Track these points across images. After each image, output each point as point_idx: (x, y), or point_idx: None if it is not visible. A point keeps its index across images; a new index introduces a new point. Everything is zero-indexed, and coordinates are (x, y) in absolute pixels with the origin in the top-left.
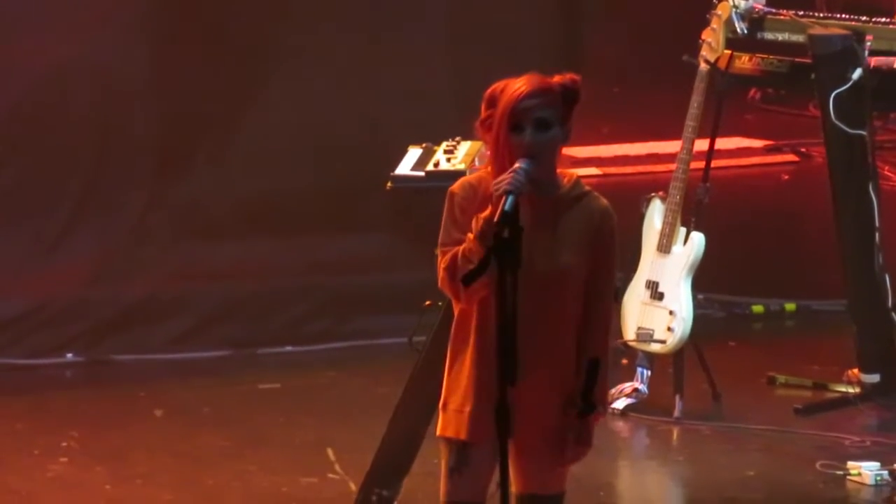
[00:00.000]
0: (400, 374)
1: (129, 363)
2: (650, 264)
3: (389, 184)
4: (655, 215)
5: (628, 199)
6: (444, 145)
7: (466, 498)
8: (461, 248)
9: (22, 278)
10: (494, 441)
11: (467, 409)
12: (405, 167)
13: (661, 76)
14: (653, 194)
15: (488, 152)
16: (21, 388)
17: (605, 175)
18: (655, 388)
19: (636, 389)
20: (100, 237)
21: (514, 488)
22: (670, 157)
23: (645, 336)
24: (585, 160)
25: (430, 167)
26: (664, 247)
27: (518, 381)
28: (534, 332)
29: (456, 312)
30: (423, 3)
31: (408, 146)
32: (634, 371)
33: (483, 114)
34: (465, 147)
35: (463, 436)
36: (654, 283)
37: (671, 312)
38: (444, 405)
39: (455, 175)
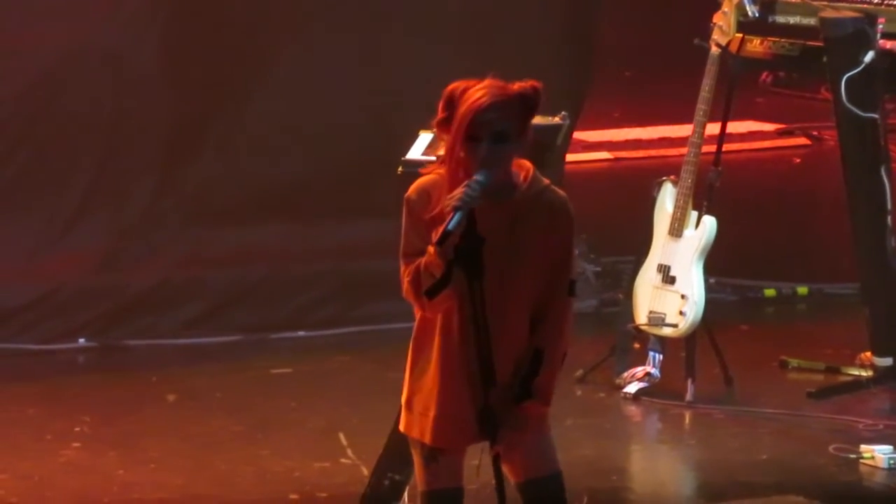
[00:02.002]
0: None
1: (141, 348)
2: (662, 248)
3: (400, 168)
4: (667, 199)
5: (640, 183)
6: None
7: (445, 484)
8: (423, 260)
9: (33, 264)
10: (459, 444)
11: (431, 413)
12: (416, 152)
13: (673, 60)
14: (664, 178)
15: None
16: (33, 373)
17: (616, 159)
18: (667, 372)
19: (648, 373)
20: (111, 223)
21: (512, 479)
22: (682, 141)
23: (657, 320)
24: (597, 144)
25: (441, 151)
26: (676, 231)
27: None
28: (499, 331)
29: (417, 316)
30: None
31: (419, 131)
32: (646, 355)
33: (440, 114)
34: None
35: (427, 440)
36: (665, 266)
37: (683, 296)
38: (409, 404)
39: None
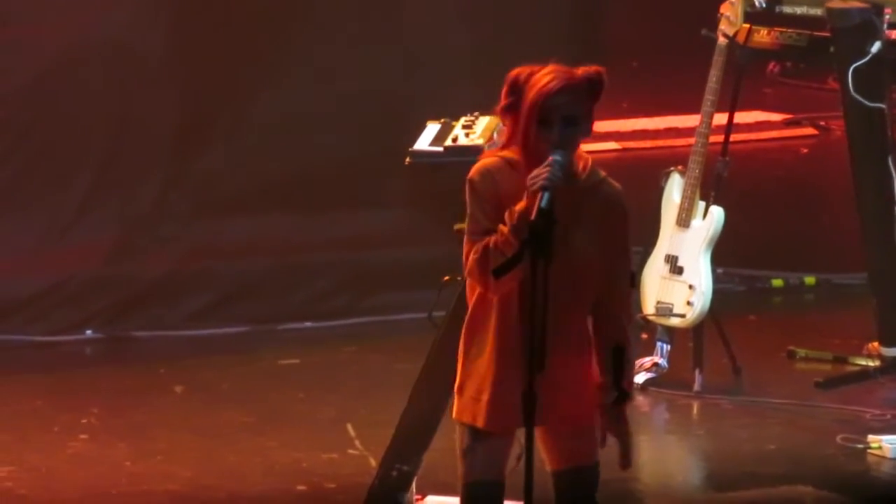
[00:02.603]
0: (419, 350)
1: (149, 340)
2: (669, 238)
3: (408, 159)
4: (674, 189)
5: (647, 173)
6: (462, 120)
7: (486, 477)
8: (493, 239)
9: (41, 255)
10: (510, 428)
11: (485, 397)
12: (424, 142)
13: (680, 50)
14: (672, 168)
15: (503, 135)
16: (41, 365)
17: (624, 149)
18: (675, 363)
19: (656, 364)
20: (119, 213)
21: (549, 466)
22: (689, 132)
23: (664, 310)
24: (605, 135)
25: (448, 142)
26: (683, 221)
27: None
28: (555, 319)
29: (472, 299)
30: None
31: (426, 121)
32: (654, 345)
33: (504, 99)
34: (483, 122)
35: (480, 423)
36: (673, 257)
37: (691, 286)
38: (461, 390)
39: (474, 150)
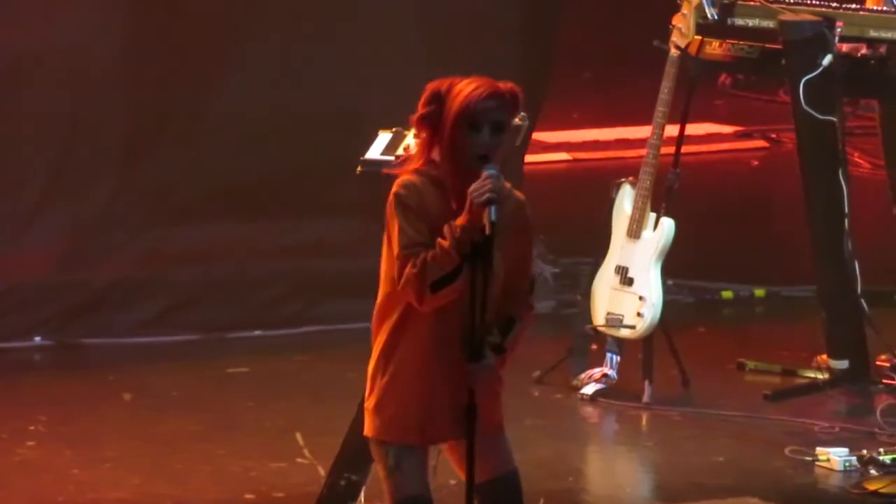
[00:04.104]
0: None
1: (98, 347)
2: (620, 249)
3: (360, 168)
4: (625, 200)
5: (598, 184)
6: (413, 130)
7: (415, 492)
8: (431, 254)
9: None
10: (443, 440)
11: (414, 412)
12: (375, 151)
13: (632, 61)
14: (623, 179)
15: (416, 149)
16: None
17: (575, 160)
18: (625, 374)
19: (605, 375)
20: (69, 220)
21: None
22: (640, 143)
23: (614, 321)
24: (556, 145)
25: (400, 151)
26: (634, 232)
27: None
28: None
29: (389, 317)
30: None
31: (378, 130)
32: (604, 356)
33: (422, 109)
34: None
35: (412, 439)
36: (623, 268)
37: (641, 298)
38: (379, 408)
39: None
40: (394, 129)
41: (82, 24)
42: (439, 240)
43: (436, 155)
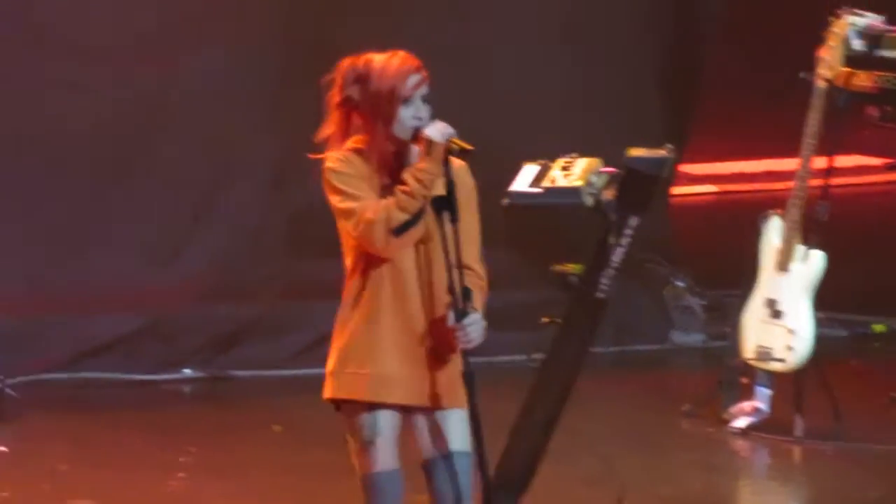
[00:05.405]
0: (518, 392)
1: (247, 379)
2: (769, 282)
3: (506, 200)
4: (774, 233)
5: (747, 216)
6: (560, 162)
7: (389, 466)
8: (393, 199)
9: (139, 293)
10: (410, 399)
11: (382, 370)
12: (522, 183)
13: (779, 94)
14: (771, 212)
15: (331, 133)
16: (139, 403)
17: (722, 192)
18: (776, 407)
19: (756, 408)
20: (218, 251)
21: (425, 454)
22: (788, 175)
23: (764, 354)
24: (703, 177)
25: (546, 183)
26: (783, 264)
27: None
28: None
29: (355, 273)
30: (538, 24)
31: (522, 163)
32: (754, 389)
33: (345, 91)
34: (581, 163)
35: (369, 397)
36: (772, 301)
37: (790, 330)
38: (341, 367)
39: (572, 191)
40: (539, 162)
41: (231, 52)
42: (398, 186)
43: (354, 136)
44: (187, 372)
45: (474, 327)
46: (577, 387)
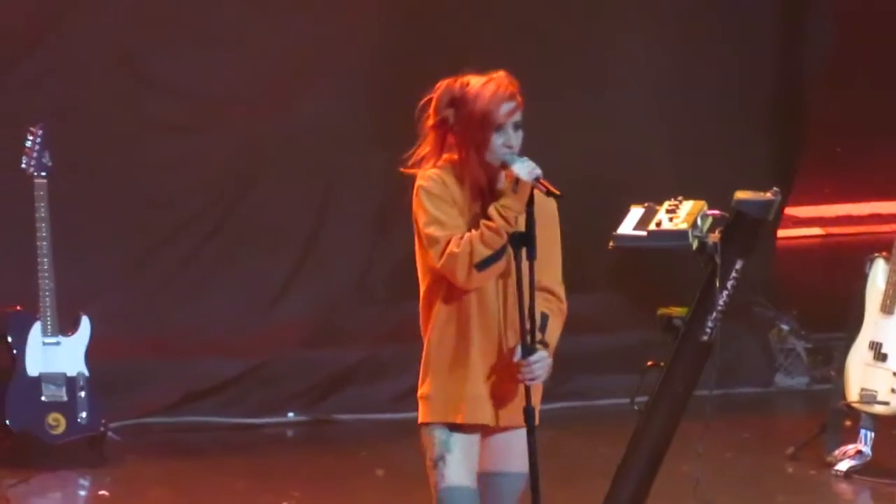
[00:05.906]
0: (620, 435)
1: (350, 422)
2: (874, 325)
3: (612, 243)
4: (879, 275)
5: (851, 258)
6: (666, 204)
7: (461, 482)
8: (478, 234)
9: (243, 337)
10: (483, 423)
11: (464, 392)
12: (627, 226)
13: (884, 135)
14: (876, 254)
15: (426, 152)
16: (243, 446)
17: (827, 235)
18: (880, 450)
19: (860, 451)
20: (320, 295)
21: (490, 467)
22: (894, 217)
23: (868, 397)
24: (808, 220)
25: (652, 226)
26: (888, 307)
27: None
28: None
29: (437, 296)
30: (638, 68)
31: (629, 205)
32: (858, 433)
33: (439, 114)
34: (687, 206)
35: (458, 419)
36: (877, 343)
37: (895, 374)
38: (429, 394)
39: (677, 234)
40: (646, 205)
41: (336, 100)
42: (484, 221)
43: (448, 153)
44: (291, 416)
45: (539, 364)
46: (680, 430)
